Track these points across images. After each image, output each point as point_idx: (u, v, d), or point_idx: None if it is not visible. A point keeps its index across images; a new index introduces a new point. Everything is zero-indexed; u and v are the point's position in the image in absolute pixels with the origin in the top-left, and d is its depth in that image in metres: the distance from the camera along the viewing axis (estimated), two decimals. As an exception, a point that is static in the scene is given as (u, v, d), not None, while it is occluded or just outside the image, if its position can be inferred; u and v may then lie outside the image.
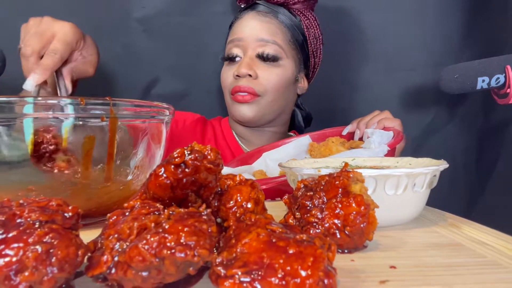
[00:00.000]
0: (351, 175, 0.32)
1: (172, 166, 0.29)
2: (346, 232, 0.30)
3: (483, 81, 0.71)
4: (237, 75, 0.82)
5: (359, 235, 0.31)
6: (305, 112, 1.01)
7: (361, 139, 0.77)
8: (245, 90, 0.81)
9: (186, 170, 0.29)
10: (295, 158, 0.60)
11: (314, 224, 0.31)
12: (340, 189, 0.31)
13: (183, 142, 0.88)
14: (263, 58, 0.82)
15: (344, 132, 0.81)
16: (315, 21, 0.89)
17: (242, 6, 0.89)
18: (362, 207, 0.30)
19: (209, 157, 0.29)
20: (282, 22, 0.85)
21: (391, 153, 0.65)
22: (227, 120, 0.96)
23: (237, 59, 0.84)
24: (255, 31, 0.83)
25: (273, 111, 0.86)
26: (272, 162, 0.75)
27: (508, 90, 0.70)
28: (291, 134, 0.99)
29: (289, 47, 0.85)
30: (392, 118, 0.77)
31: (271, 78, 0.83)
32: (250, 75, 0.81)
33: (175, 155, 0.29)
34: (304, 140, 0.81)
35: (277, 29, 0.84)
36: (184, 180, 0.29)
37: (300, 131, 1.01)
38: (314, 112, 1.04)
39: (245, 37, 0.83)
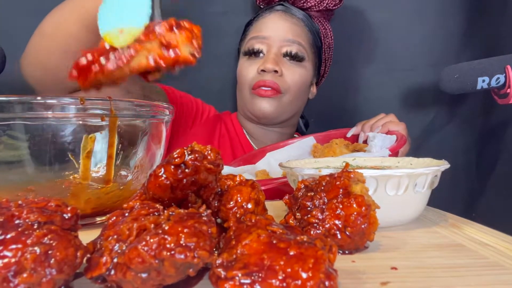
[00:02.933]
0: (352, 176, 0.32)
1: (172, 167, 0.28)
2: (347, 233, 0.30)
3: (483, 81, 0.71)
4: (262, 70, 0.81)
5: (360, 236, 0.31)
6: (305, 120, 1.03)
7: (365, 141, 0.77)
8: (270, 85, 0.80)
9: (186, 170, 0.28)
10: (298, 159, 0.60)
11: (315, 224, 0.31)
12: (341, 190, 0.31)
13: (199, 135, 0.87)
14: (290, 56, 0.83)
15: (349, 135, 0.81)
16: (330, 32, 0.91)
17: (262, 6, 0.90)
18: (363, 208, 0.30)
19: (209, 157, 0.29)
20: (306, 26, 0.86)
21: (393, 156, 0.65)
22: (236, 116, 0.96)
23: (260, 55, 0.84)
24: (282, 31, 0.83)
25: (290, 110, 0.87)
26: (275, 162, 0.75)
27: (508, 90, 0.70)
28: (295, 135, 1.00)
29: (310, 51, 0.87)
30: (397, 122, 0.77)
31: (295, 77, 0.83)
32: (275, 71, 0.80)
33: (175, 156, 0.28)
34: (308, 141, 0.81)
35: (302, 31, 0.85)
36: (184, 180, 0.29)
37: (302, 134, 1.01)
38: (315, 112, 1.04)
39: (271, 35, 0.83)
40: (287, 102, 0.84)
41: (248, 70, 0.84)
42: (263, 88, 0.81)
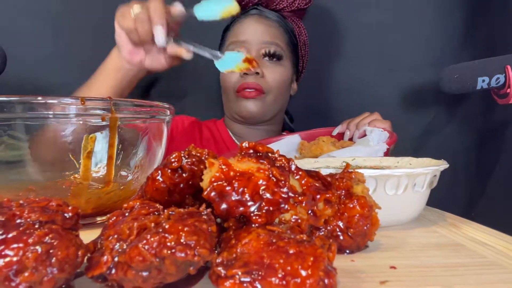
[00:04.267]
0: (353, 176, 0.32)
1: (169, 171, 0.29)
2: (349, 234, 0.30)
3: (483, 81, 0.71)
4: (245, 73, 0.83)
5: (362, 237, 0.31)
6: (289, 116, 1.05)
7: (351, 139, 0.79)
8: (253, 86, 0.84)
9: (183, 175, 0.29)
10: (285, 155, 0.61)
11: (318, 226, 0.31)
12: (343, 191, 0.31)
13: (184, 144, 0.88)
14: (270, 55, 0.86)
15: (334, 133, 0.83)
16: (304, 30, 0.94)
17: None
18: (366, 209, 0.30)
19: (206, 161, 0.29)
20: (281, 26, 0.89)
21: (386, 153, 0.65)
22: (223, 121, 0.98)
23: None
24: (259, 33, 0.86)
25: (274, 109, 0.90)
26: None
27: (508, 90, 0.70)
28: (283, 133, 1.01)
29: (287, 49, 0.90)
30: (383, 120, 0.78)
31: (276, 76, 0.86)
32: (257, 73, 0.83)
33: (172, 160, 0.29)
34: (294, 138, 0.82)
35: (278, 32, 0.88)
36: (181, 184, 0.29)
37: (291, 131, 1.03)
38: (314, 112, 1.04)
39: (249, 39, 0.86)
40: (271, 101, 0.87)
41: (231, 74, 0.86)
42: (247, 90, 0.84)
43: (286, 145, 0.81)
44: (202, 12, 0.67)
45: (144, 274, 0.21)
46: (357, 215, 0.30)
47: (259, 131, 0.93)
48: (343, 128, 0.82)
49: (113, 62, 0.71)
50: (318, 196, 0.27)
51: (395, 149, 0.78)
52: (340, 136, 0.82)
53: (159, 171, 0.29)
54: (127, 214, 0.25)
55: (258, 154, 0.27)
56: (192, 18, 0.96)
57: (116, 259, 0.22)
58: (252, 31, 0.86)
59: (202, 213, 0.23)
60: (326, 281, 0.21)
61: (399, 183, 0.38)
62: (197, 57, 1.01)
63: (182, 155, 0.29)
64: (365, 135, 0.74)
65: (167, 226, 0.22)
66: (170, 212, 0.24)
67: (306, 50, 0.96)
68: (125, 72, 0.71)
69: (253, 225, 0.24)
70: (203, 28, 0.96)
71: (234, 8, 0.66)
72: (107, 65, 0.72)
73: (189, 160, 0.29)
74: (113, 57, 0.72)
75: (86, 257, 0.23)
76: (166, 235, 0.21)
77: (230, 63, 0.68)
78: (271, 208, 0.25)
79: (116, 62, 0.71)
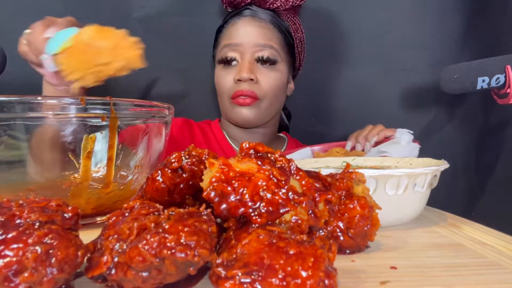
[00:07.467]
0: (353, 176, 0.32)
1: (169, 171, 0.29)
2: (350, 234, 0.30)
3: (483, 81, 0.71)
4: (239, 79, 0.82)
5: (362, 237, 0.31)
6: (287, 110, 1.04)
7: (362, 151, 0.79)
8: (247, 94, 0.82)
9: (184, 175, 0.29)
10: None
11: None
12: (343, 192, 0.31)
13: (179, 147, 0.88)
14: (263, 61, 0.84)
15: (348, 148, 0.82)
16: (300, 26, 0.91)
17: (229, 10, 0.89)
18: (366, 210, 0.30)
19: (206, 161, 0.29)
20: (275, 27, 0.86)
21: None
22: (217, 123, 0.97)
23: (234, 62, 0.85)
24: (253, 36, 0.83)
25: (270, 113, 0.89)
26: None
27: (508, 90, 0.70)
28: (281, 135, 1.02)
29: (282, 51, 0.87)
30: (389, 128, 0.79)
31: (270, 81, 0.84)
32: (251, 79, 0.82)
33: (172, 160, 0.29)
34: (306, 151, 0.82)
35: (272, 34, 0.85)
36: (181, 185, 0.29)
37: (287, 130, 1.04)
38: (313, 112, 1.04)
39: (242, 42, 0.83)
40: (266, 106, 0.86)
41: (225, 79, 0.85)
42: (242, 97, 0.83)
43: (300, 156, 0.81)
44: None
45: (144, 274, 0.21)
46: (358, 215, 0.30)
47: (256, 134, 0.93)
48: (353, 143, 0.81)
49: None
50: (318, 198, 0.27)
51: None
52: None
53: (159, 171, 0.29)
54: (127, 214, 0.25)
55: (259, 154, 0.27)
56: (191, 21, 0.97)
57: (116, 259, 0.22)
58: (245, 33, 0.83)
59: (202, 213, 0.23)
60: (326, 281, 0.21)
61: (399, 183, 0.38)
62: (198, 57, 1.02)
63: (182, 155, 0.29)
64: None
65: (167, 226, 0.22)
66: (170, 212, 0.24)
67: (302, 47, 0.93)
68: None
69: (253, 225, 0.24)
70: (208, 26, 0.96)
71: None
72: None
73: (189, 160, 0.29)
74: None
75: (86, 257, 0.23)
76: (166, 235, 0.21)
77: (55, 45, 0.56)
78: (271, 209, 0.25)
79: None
